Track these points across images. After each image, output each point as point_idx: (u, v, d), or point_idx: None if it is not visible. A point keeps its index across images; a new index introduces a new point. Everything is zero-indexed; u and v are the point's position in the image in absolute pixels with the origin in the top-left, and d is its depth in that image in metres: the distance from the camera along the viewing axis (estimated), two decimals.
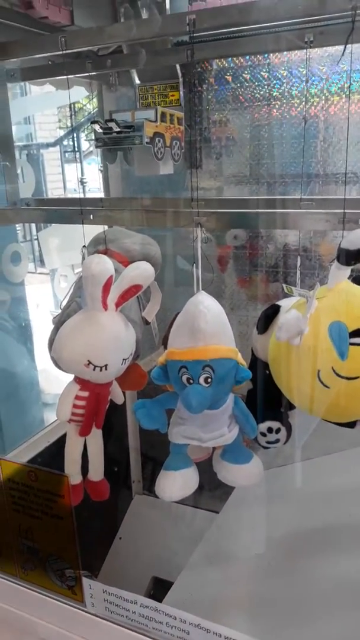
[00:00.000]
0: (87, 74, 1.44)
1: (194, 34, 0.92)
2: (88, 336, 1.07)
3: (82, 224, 1.15)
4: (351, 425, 1.00)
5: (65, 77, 1.41)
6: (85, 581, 1.00)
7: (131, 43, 1.32)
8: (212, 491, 1.69)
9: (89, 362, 1.07)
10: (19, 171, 1.59)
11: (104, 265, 1.03)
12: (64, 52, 1.05)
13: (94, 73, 1.50)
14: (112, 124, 1.38)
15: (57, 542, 1.02)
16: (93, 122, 1.41)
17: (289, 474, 1.62)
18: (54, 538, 1.03)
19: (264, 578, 1.42)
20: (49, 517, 1.01)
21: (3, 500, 1.06)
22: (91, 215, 1.15)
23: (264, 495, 1.59)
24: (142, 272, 1.10)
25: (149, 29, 0.97)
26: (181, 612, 0.91)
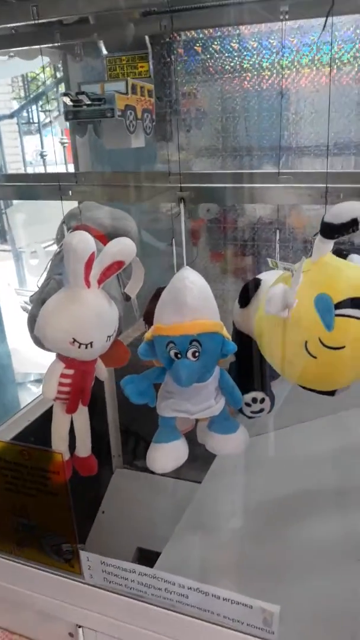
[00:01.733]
0: (55, 44, 1.40)
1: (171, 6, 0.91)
2: (72, 314, 1.07)
3: (61, 200, 1.14)
4: (332, 393, 1.04)
5: (32, 47, 1.37)
6: (83, 554, 1.02)
7: (101, 13, 1.28)
8: (192, 462, 1.73)
9: (74, 340, 1.08)
10: None
11: (86, 241, 1.03)
12: (37, 21, 1.02)
13: (61, 43, 1.45)
14: (82, 97, 1.35)
15: (53, 518, 1.04)
16: (63, 95, 1.38)
17: (266, 442, 1.67)
18: (49, 514, 1.04)
19: (247, 544, 1.48)
20: (43, 495, 1.03)
21: None
22: (70, 191, 1.13)
23: (243, 464, 1.64)
24: (124, 248, 1.10)
25: None
26: (179, 578, 0.94)
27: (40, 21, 1.06)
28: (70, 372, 1.13)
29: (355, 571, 1.28)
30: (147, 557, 1.73)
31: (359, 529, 1.38)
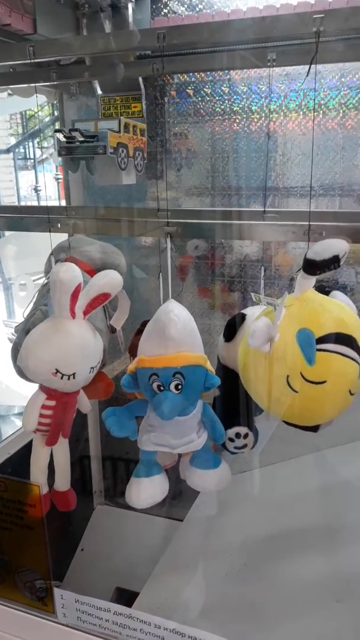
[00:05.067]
0: (52, 82, 1.44)
1: (164, 51, 0.95)
2: (56, 344, 1.07)
3: (50, 232, 1.15)
4: (314, 429, 1.04)
5: (28, 85, 1.41)
6: (57, 591, 0.99)
7: (97, 55, 1.33)
8: (175, 499, 1.71)
9: (57, 371, 1.07)
10: None
11: (73, 273, 1.04)
12: (32, 60, 1.06)
13: (57, 82, 1.50)
14: (75, 134, 1.38)
15: (28, 553, 1.01)
16: (57, 131, 1.41)
17: (250, 480, 1.65)
18: (24, 549, 1.01)
19: (230, 584, 1.44)
20: (19, 528, 1.00)
21: None
22: (58, 224, 1.15)
23: (227, 502, 1.61)
24: (110, 280, 1.11)
25: (120, 42, 0.99)
26: (155, 618, 0.91)
27: (36, 60, 1.10)
28: (52, 403, 1.12)
29: (335, 612, 1.25)
30: (127, 598, 1.68)
31: (340, 569, 1.35)
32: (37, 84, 1.38)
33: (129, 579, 1.77)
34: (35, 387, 1.15)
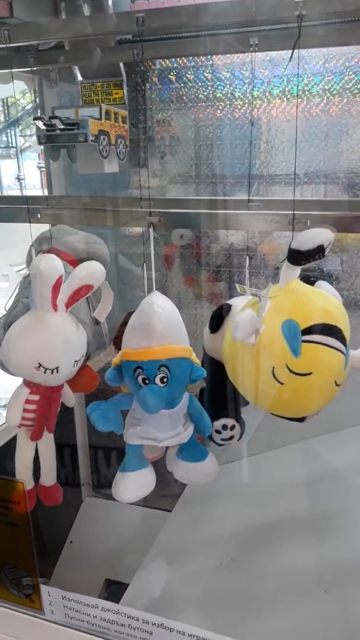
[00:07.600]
0: (29, 68, 1.40)
1: (143, 35, 0.92)
2: (38, 338, 1.05)
3: (29, 222, 1.12)
4: (301, 420, 1.03)
5: (5, 71, 1.37)
6: (44, 588, 0.98)
7: (75, 39, 1.29)
8: (163, 490, 1.70)
9: (40, 365, 1.05)
10: None
11: (54, 264, 1.02)
12: (8, 45, 1.02)
13: (35, 68, 1.46)
14: (55, 121, 1.35)
15: (13, 551, 1.00)
16: (36, 119, 1.38)
17: (238, 469, 1.65)
18: (9, 547, 1.00)
19: (219, 574, 1.44)
20: (3, 526, 0.98)
21: None
22: (39, 214, 1.12)
23: (214, 492, 1.61)
24: (92, 272, 1.09)
25: (97, 26, 0.96)
26: (143, 613, 0.91)
27: (12, 45, 1.06)
28: (35, 397, 1.11)
29: (323, 602, 1.26)
30: (116, 590, 1.68)
31: (327, 558, 1.36)
32: (14, 70, 1.33)
33: (119, 571, 1.77)
34: (19, 380, 1.14)
